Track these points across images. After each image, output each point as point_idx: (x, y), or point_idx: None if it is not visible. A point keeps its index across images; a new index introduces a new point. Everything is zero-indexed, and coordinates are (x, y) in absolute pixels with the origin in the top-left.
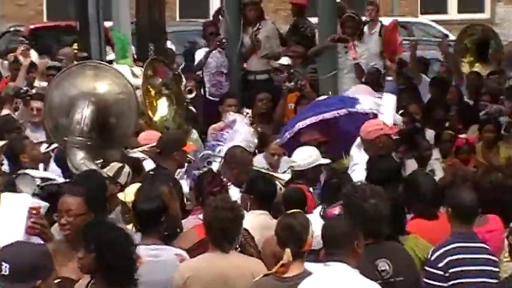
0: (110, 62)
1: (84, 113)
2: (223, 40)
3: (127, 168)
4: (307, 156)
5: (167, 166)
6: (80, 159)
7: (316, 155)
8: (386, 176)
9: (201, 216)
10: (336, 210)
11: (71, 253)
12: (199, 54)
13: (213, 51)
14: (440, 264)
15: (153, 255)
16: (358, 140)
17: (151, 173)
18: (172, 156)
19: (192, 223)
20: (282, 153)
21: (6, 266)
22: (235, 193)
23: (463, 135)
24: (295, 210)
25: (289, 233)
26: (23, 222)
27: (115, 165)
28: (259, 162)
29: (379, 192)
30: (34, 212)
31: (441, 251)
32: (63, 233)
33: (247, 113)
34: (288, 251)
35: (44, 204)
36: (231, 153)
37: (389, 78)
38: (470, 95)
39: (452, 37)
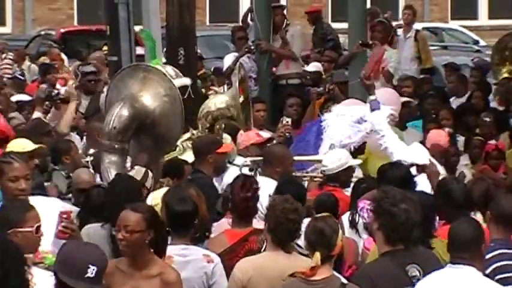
0: (141, 55)
1: (113, 114)
2: (252, 47)
3: (151, 174)
4: (337, 159)
5: (203, 169)
6: (106, 163)
7: (346, 157)
8: (398, 185)
9: (229, 220)
10: (362, 203)
11: (128, 272)
12: (228, 60)
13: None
14: (487, 271)
15: (181, 255)
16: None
17: (189, 177)
18: (206, 160)
19: (222, 228)
20: None
21: (93, 269)
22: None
23: (492, 141)
24: (325, 214)
25: (319, 237)
26: (52, 226)
27: (140, 170)
28: None
29: (410, 197)
30: (65, 216)
31: (486, 257)
32: (120, 248)
33: (287, 121)
34: (317, 254)
35: (74, 209)
36: (270, 152)
37: (372, 97)
38: (502, 102)
39: (482, 43)
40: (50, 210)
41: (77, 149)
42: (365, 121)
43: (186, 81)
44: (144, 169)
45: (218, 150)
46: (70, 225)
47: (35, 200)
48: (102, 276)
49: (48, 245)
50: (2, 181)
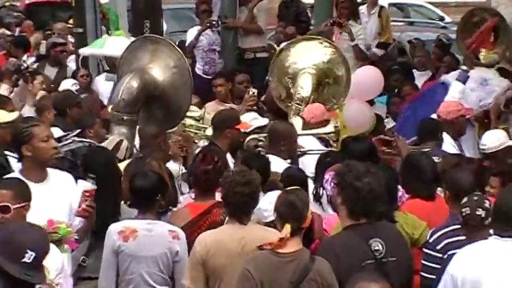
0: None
1: (122, 86)
2: (213, 22)
3: (125, 143)
4: (496, 139)
5: (219, 143)
6: (115, 134)
7: (504, 137)
8: (360, 158)
9: (193, 195)
10: (328, 175)
11: None
12: (191, 33)
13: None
14: (438, 247)
15: (147, 229)
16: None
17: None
18: (224, 134)
19: (185, 202)
20: None
21: (31, 254)
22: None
23: None
24: (295, 187)
25: (290, 209)
26: (67, 202)
27: (113, 139)
28: None
29: (373, 171)
30: (87, 194)
31: (439, 233)
32: None
33: (254, 92)
34: (287, 226)
35: (93, 187)
36: (273, 130)
37: (464, 67)
38: None
39: (448, 19)
40: (66, 185)
41: (101, 124)
42: (487, 84)
43: None
44: (117, 139)
45: (236, 126)
46: (92, 204)
47: (53, 173)
48: (41, 262)
49: (62, 216)
50: (32, 145)
